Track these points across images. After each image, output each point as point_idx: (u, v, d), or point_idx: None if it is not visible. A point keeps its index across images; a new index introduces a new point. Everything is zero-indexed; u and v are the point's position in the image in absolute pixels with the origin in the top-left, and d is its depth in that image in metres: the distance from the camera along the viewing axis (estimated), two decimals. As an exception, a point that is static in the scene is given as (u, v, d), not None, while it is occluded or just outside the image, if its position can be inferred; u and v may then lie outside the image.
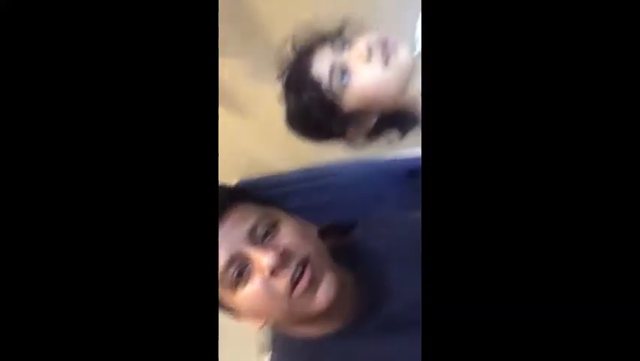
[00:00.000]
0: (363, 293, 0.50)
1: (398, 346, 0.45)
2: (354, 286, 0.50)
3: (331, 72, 0.53)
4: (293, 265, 0.43)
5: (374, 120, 0.58)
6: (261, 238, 0.45)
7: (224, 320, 0.44)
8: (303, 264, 0.43)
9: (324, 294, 0.44)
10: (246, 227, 0.44)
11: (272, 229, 0.45)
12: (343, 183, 1.02)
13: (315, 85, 0.53)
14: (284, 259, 0.43)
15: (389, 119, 0.58)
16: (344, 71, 0.53)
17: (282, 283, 0.43)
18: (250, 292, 0.43)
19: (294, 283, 0.43)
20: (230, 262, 0.43)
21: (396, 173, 1.00)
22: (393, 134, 0.61)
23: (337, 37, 0.56)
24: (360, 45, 0.53)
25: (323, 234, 0.50)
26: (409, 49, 0.55)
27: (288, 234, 0.45)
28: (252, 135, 0.88)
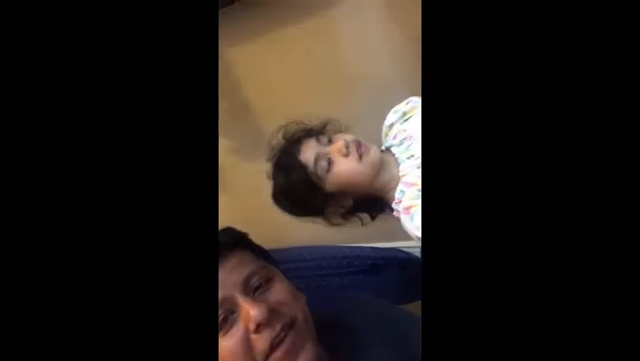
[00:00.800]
0: None
1: None
2: None
3: (316, 159, 0.64)
4: (278, 326, 0.42)
5: (350, 202, 0.69)
6: (254, 289, 0.45)
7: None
8: (289, 327, 0.43)
9: None
10: (242, 274, 0.45)
11: (265, 284, 0.45)
12: (316, 267, 1.07)
13: (303, 168, 0.65)
14: (271, 316, 0.42)
15: (362, 203, 0.70)
16: (327, 160, 0.65)
17: (261, 342, 0.42)
18: (229, 343, 0.42)
19: (274, 346, 0.42)
20: (219, 305, 0.42)
21: (365, 263, 1.06)
22: (365, 216, 0.72)
23: (320, 133, 0.69)
24: (340, 142, 0.65)
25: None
26: (377, 149, 0.68)
27: (280, 292, 0.45)
28: (234, 211, 0.94)
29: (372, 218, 0.73)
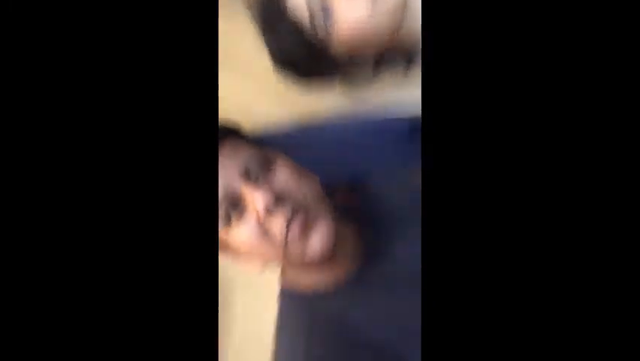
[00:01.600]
0: (364, 246, 0.49)
1: (400, 299, 0.45)
2: (355, 238, 0.49)
3: (310, 10, 0.46)
4: (289, 207, 0.42)
5: (370, 63, 0.52)
6: (256, 176, 0.43)
7: (226, 265, 0.44)
8: (299, 208, 0.42)
9: (318, 241, 0.42)
10: (238, 163, 0.43)
11: (267, 169, 0.44)
12: (339, 139, 1.00)
13: (295, 26, 0.47)
14: (279, 200, 0.41)
15: (387, 60, 0.53)
16: (324, 9, 0.45)
17: (277, 224, 0.42)
18: (245, 231, 0.42)
19: (289, 225, 0.42)
20: (223, 199, 0.42)
21: (395, 129, 0.98)
22: (394, 74, 0.56)
23: None
24: None
25: (328, 190, 0.47)
26: None
27: (284, 175, 0.44)
28: (249, 90, 0.86)
29: (405, 74, 0.56)
